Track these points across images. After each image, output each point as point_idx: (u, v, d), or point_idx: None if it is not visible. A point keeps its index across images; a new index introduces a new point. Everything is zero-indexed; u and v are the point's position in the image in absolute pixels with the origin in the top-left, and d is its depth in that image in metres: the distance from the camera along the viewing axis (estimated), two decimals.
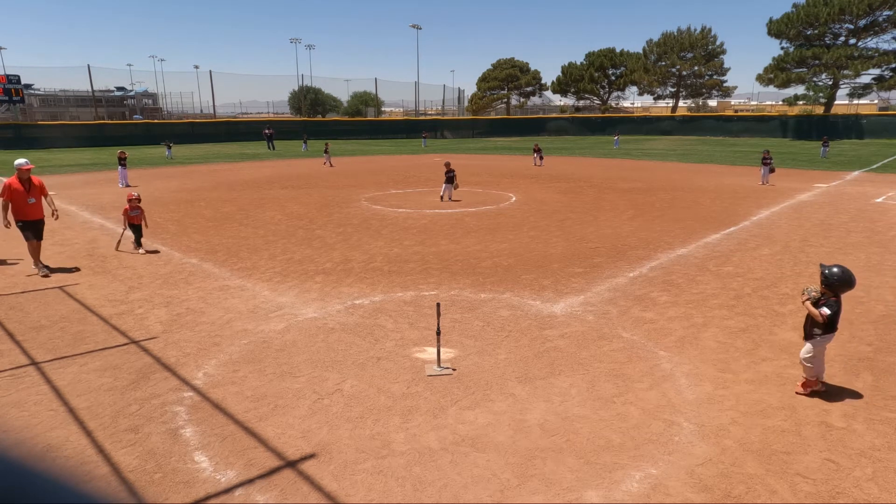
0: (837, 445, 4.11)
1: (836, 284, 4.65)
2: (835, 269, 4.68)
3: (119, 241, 10.34)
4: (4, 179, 9.66)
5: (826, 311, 4.60)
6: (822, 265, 4.86)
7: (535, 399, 4.80)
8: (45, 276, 8.55)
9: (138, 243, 10.16)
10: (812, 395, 4.83)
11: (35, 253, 8.75)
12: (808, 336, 4.84)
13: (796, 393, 4.89)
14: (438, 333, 5.34)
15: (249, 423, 4.45)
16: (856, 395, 4.85)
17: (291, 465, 3.91)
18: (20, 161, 8.71)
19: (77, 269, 9.05)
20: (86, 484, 0.58)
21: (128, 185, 19.54)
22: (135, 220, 10.15)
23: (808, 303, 4.75)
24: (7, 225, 8.54)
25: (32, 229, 8.66)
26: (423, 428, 4.36)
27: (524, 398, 4.81)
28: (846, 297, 4.87)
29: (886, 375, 5.22)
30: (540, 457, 3.98)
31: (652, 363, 5.49)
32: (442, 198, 16.20)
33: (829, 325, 4.68)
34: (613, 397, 4.83)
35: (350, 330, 6.42)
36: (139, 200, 10.26)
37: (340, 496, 3.59)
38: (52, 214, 9.13)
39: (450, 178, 16.13)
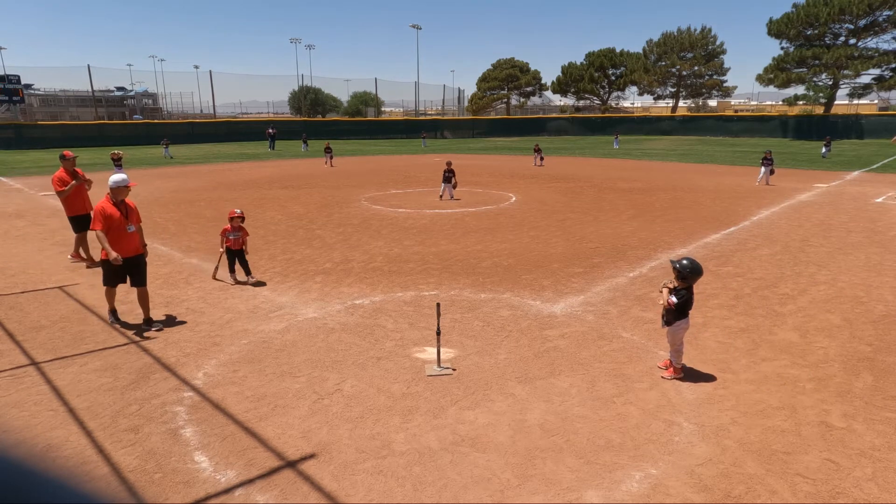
0: (837, 445, 4.11)
1: (687, 275, 5.05)
2: (685, 262, 5.10)
3: (216, 267, 8.40)
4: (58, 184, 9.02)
5: (673, 299, 5.05)
6: (671, 260, 5.27)
7: (535, 399, 4.80)
8: (159, 329, 6.45)
9: (246, 270, 8.15)
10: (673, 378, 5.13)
11: (111, 299, 6.65)
12: (668, 323, 5.18)
13: (662, 377, 5.16)
14: (438, 333, 5.35)
15: (249, 423, 4.45)
16: (856, 395, 4.85)
17: (291, 465, 3.91)
18: (119, 178, 6.47)
19: (77, 268, 9.05)
20: (86, 484, 0.58)
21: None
22: (234, 245, 8.02)
23: (664, 291, 5.14)
24: (117, 260, 6.21)
25: (129, 269, 6.46)
26: (423, 428, 4.36)
27: (524, 398, 4.81)
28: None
29: (886, 375, 5.22)
30: (540, 457, 3.98)
31: (652, 363, 5.49)
32: (441, 196, 16.27)
33: (681, 312, 5.13)
34: (613, 397, 4.83)
35: (350, 330, 6.42)
36: (242, 219, 8.10)
37: (340, 496, 3.59)
38: (143, 248, 6.71)
39: (447, 178, 16.23)
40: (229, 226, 8.01)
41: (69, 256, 9.57)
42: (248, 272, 8.14)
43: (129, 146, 40.02)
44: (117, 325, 6.53)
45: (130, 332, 6.38)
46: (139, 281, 6.53)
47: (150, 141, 44.27)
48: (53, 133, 44.16)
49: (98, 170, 26.51)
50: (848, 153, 33.42)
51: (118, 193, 6.41)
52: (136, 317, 6.89)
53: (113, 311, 6.72)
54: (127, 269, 6.42)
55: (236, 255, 8.07)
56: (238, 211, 8.07)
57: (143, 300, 6.55)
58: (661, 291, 5.21)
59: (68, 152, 9.48)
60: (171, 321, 6.73)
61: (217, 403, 4.75)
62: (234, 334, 6.29)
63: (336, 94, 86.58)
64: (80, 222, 9.27)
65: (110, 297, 6.67)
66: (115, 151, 19.13)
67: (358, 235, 11.60)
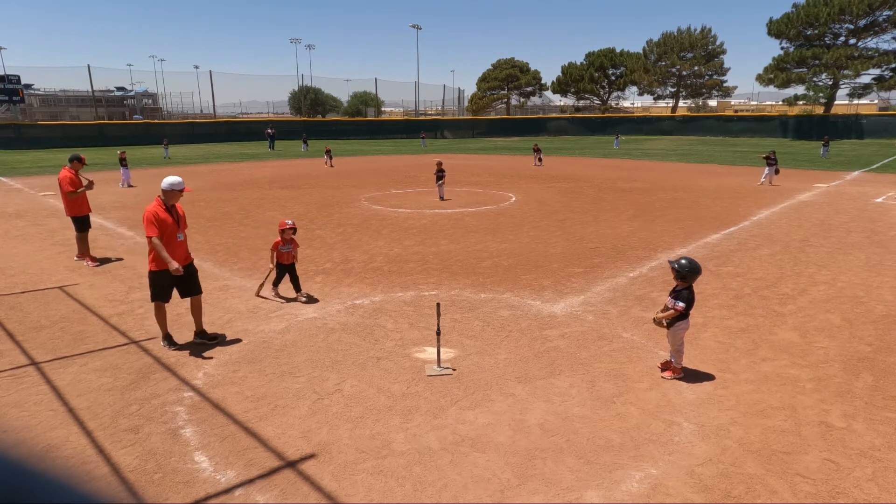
0: (837, 445, 4.11)
1: (686, 275, 5.06)
2: (683, 262, 5.11)
3: (262, 283, 7.67)
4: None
5: (680, 304, 5.05)
6: (669, 261, 5.26)
7: (535, 399, 4.80)
8: (175, 349, 5.95)
9: (296, 286, 7.45)
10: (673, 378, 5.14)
11: (163, 320, 5.99)
12: (670, 325, 5.17)
13: (662, 377, 5.16)
14: (438, 333, 5.35)
15: (249, 423, 4.45)
16: (856, 395, 4.85)
17: (291, 465, 3.91)
18: (175, 180, 6.04)
19: (77, 268, 9.05)
20: (86, 484, 0.58)
21: (130, 186, 19.55)
22: (285, 259, 7.35)
23: (662, 316, 5.18)
24: (178, 270, 5.72)
25: (179, 280, 5.95)
26: (423, 428, 4.36)
27: (524, 398, 4.81)
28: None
29: (886, 375, 5.22)
30: (540, 457, 3.98)
31: (652, 363, 5.49)
32: (442, 197, 16.32)
33: (685, 314, 5.13)
34: (613, 397, 4.83)
35: (350, 330, 6.42)
36: (294, 231, 7.40)
37: (340, 496, 3.59)
38: (190, 256, 6.25)
39: (439, 176, 16.35)
40: (280, 238, 7.27)
41: (75, 257, 9.62)
42: (297, 288, 7.45)
43: (130, 146, 39.98)
44: (169, 346, 5.93)
45: (130, 333, 6.38)
46: (194, 289, 6.06)
47: (150, 141, 44.31)
48: (53, 133, 44.20)
49: (98, 169, 26.49)
50: (848, 153, 33.42)
51: (171, 197, 5.96)
52: (135, 317, 6.89)
53: (168, 337, 5.98)
54: (178, 279, 5.89)
55: (287, 269, 7.38)
56: (290, 222, 7.35)
57: (199, 310, 6.10)
58: (661, 317, 5.20)
59: (84, 156, 9.85)
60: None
61: (217, 403, 4.75)
62: (234, 334, 6.29)
63: (336, 94, 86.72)
64: (83, 222, 9.48)
65: (162, 317, 5.94)
66: (122, 151, 20.54)
67: (358, 235, 11.60)
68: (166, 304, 5.93)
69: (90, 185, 9.55)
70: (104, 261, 9.57)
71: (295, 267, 7.49)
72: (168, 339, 5.98)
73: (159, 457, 4.00)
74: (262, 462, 3.94)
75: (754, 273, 8.68)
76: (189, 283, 6.03)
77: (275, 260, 7.35)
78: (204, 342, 6.04)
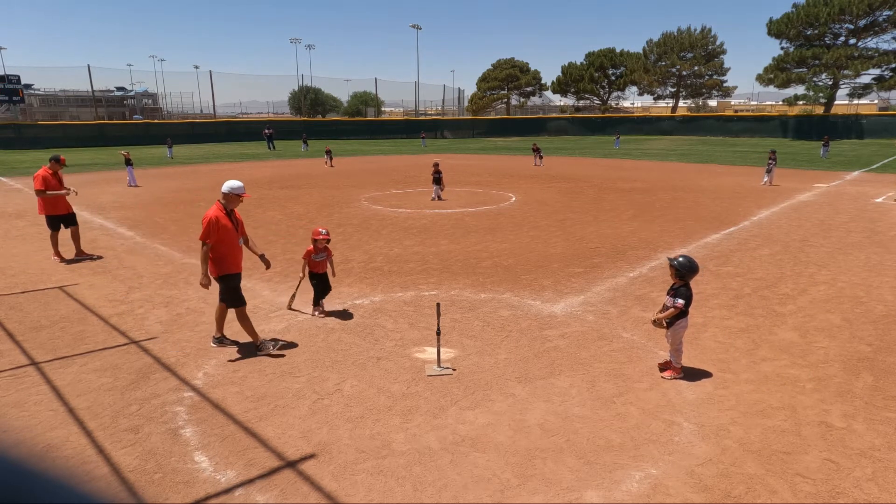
0: (837, 445, 4.11)
1: (685, 273, 5.09)
2: (681, 259, 5.14)
3: (293, 295, 7.20)
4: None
5: (680, 301, 5.05)
6: (669, 258, 5.28)
7: (535, 399, 4.80)
8: (224, 345, 5.90)
9: (316, 300, 6.92)
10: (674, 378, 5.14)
11: (250, 325, 5.88)
12: (669, 325, 5.17)
13: (662, 377, 5.16)
14: (438, 333, 5.35)
15: (249, 423, 4.45)
16: (856, 395, 4.85)
17: (291, 465, 3.91)
18: (236, 184, 5.89)
19: (77, 268, 9.05)
20: (86, 484, 0.58)
21: (135, 185, 19.56)
22: (318, 268, 6.85)
23: (662, 316, 5.16)
24: (207, 283, 5.66)
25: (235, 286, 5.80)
26: (423, 428, 4.36)
27: (524, 398, 4.81)
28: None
29: (886, 375, 5.22)
30: (540, 457, 3.98)
31: (652, 363, 5.49)
32: (440, 197, 16.33)
33: (684, 312, 5.13)
34: (613, 397, 4.83)
35: (350, 330, 6.42)
36: (328, 239, 6.86)
37: (340, 496, 3.59)
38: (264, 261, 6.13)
39: (437, 179, 16.34)
40: (312, 247, 6.79)
41: (53, 257, 9.71)
42: (317, 301, 6.92)
43: (129, 146, 39.97)
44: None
45: (130, 333, 6.38)
46: (239, 300, 5.91)
47: (150, 141, 44.31)
48: (53, 133, 44.19)
49: (98, 169, 26.51)
50: (848, 153, 33.41)
51: (232, 201, 5.78)
52: (135, 317, 6.89)
53: (264, 343, 5.84)
54: (235, 283, 5.78)
55: (319, 279, 6.87)
56: (324, 231, 6.79)
57: (222, 316, 6.03)
58: (659, 318, 5.20)
59: (64, 157, 10.06)
60: (171, 321, 6.73)
61: (217, 403, 4.75)
62: (233, 334, 6.29)
63: (336, 94, 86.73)
64: (54, 221, 9.71)
65: (248, 322, 5.77)
66: (126, 151, 20.63)
67: (358, 235, 11.60)
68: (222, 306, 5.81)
69: (68, 192, 9.74)
70: (89, 258, 9.80)
71: (328, 278, 6.93)
72: (264, 345, 5.80)
73: (159, 457, 4.00)
74: (262, 462, 3.94)
75: (754, 273, 8.68)
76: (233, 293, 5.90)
77: (306, 270, 6.85)
78: (272, 344, 5.92)
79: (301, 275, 6.95)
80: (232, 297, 5.72)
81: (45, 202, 9.60)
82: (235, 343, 6.00)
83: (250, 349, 5.85)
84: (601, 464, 3.89)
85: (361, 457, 3.99)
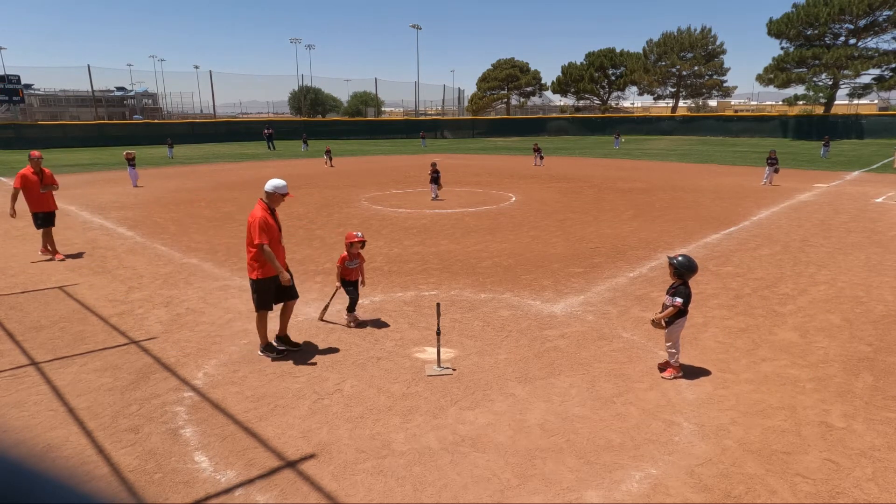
0: (837, 445, 4.11)
1: (683, 272, 5.11)
2: (680, 258, 5.17)
3: (326, 306, 6.85)
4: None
5: (678, 300, 5.06)
6: (668, 256, 5.31)
7: (535, 399, 4.80)
8: (275, 358, 5.66)
9: (351, 307, 6.58)
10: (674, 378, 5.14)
11: (264, 330, 5.77)
12: (668, 324, 5.17)
13: (662, 377, 5.15)
14: (438, 333, 5.35)
15: (249, 423, 4.45)
16: (856, 395, 4.85)
17: (291, 465, 3.91)
18: (279, 183, 5.81)
19: (77, 268, 9.05)
20: (86, 484, 0.58)
21: (137, 186, 19.55)
22: (351, 276, 6.59)
23: (661, 316, 5.15)
24: (288, 277, 5.64)
25: (281, 287, 5.73)
26: (423, 428, 4.36)
27: (524, 398, 4.81)
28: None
29: (886, 375, 5.22)
30: (540, 457, 3.98)
31: (652, 363, 5.49)
32: (437, 197, 16.36)
33: (683, 311, 5.14)
34: (613, 397, 4.83)
35: (350, 330, 6.42)
36: (363, 244, 6.61)
37: (340, 496, 3.59)
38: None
39: (434, 178, 16.36)
40: (346, 253, 6.53)
41: (39, 252, 9.87)
42: (351, 309, 6.60)
43: (129, 146, 39.98)
44: (271, 355, 5.70)
45: (130, 333, 6.38)
46: (293, 294, 5.85)
47: (150, 141, 44.30)
48: (53, 133, 44.18)
49: (98, 169, 26.51)
50: (848, 153, 33.42)
51: (275, 201, 5.70)
52: (135, 317, 6.89)
53: (269, 346, 5.74)
54: (281, 286, 5.65)
55: (352, 286, 6.58)
56: (359, 234, 6.55)
57: (289, 315, 5.93)
58: (658, 319, 5.19)
59: (35, 153, 9.93)
60: (171, 321, 6.73)
61: (217, 403, 4.75)
62: (234, 334, 6.29)
63: (336, 94, 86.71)
64: (44, 218, 9.77)
65: (263, 326, 5.70)
66: (129, 151, 20.63)
67: None
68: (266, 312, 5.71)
69: (47, 190, 9.79)
70: (75, 255, 9.94)
71: (357, 286, 6.62)
72: (269, 348, 5.73)
73: (159, 457, 4.00)
74: (262, 462, 3.94)
75: (754, 273, 8.68)
76: (289, 289, 5.78)
77: (340, 276, 6.57)
78: (288, 349, 5.80)
79: (337, 284, 6.63)
80: (261, 300, 5.63)
81: (32, 199, 9.67)
82: (285, 349, 5.81)
83: (297, 353, 5.78)
84: (601, 464, 3.89)
85: (361, 457, 3.99)
